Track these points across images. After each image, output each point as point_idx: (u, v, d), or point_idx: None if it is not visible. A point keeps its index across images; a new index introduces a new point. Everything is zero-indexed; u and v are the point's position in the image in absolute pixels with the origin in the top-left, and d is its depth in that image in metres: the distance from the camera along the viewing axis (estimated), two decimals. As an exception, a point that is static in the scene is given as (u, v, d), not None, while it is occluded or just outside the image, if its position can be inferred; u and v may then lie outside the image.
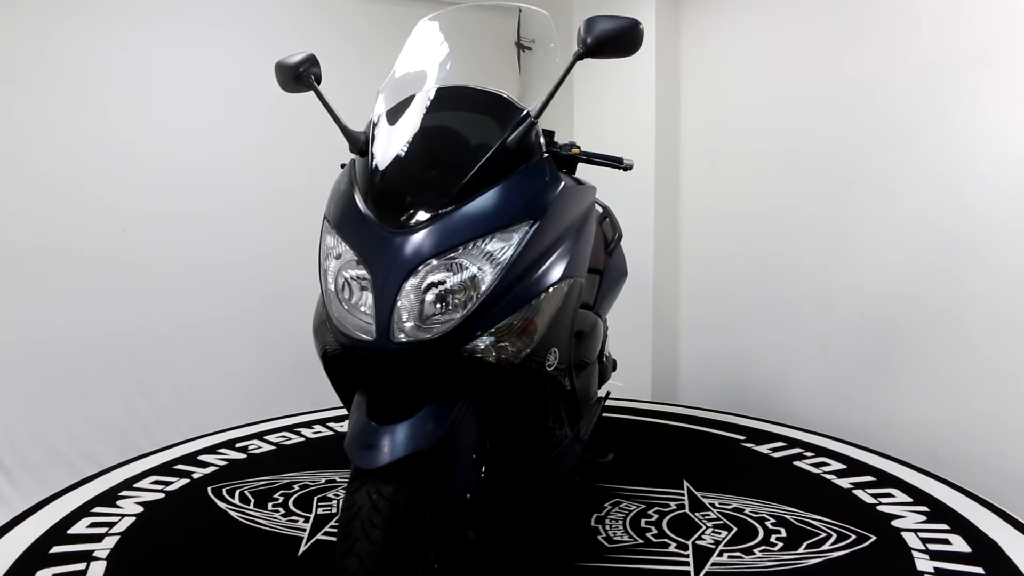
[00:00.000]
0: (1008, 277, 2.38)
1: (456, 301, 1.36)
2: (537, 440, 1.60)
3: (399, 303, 1.34)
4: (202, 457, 2.66)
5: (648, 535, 2.01)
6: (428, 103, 1.63)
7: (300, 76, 1.70)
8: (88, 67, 3.30)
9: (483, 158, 1.47)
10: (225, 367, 3.65)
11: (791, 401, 3.16)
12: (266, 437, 2.91)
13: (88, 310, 3.33)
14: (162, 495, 2.30)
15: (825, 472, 2.45)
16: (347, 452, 1.32)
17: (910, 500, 2.17)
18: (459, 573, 1.44)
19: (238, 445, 2.80)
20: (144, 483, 2.39)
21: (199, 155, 3.55)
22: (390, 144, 1.56)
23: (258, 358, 3.72)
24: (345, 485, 1.37)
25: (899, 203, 2.72)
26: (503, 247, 1.39)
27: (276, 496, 2.30)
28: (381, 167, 1.51)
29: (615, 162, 1.81)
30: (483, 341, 1.38)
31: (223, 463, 2.61)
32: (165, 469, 2.53)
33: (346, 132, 1.64)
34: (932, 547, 1.88)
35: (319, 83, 1.72)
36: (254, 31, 3.63)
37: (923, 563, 1.79)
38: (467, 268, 1.36)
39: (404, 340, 1.34)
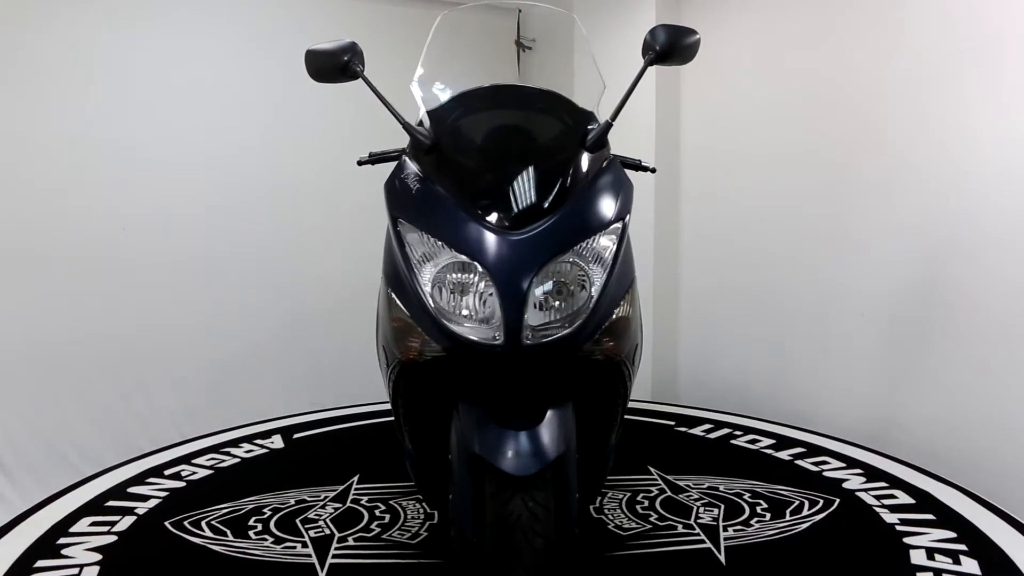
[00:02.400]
0: (1007, 277, 2.40)
1: (574, 302, 1.37)
2: (608, 433, 1.65)
3: (526, 305, 1.33)
4: (133, 490, 2.36)
5: (651, 519, 2.13)
6: (493, 101, 1.61)
7: (346, 67, 1.59)
8: (87, 66, 3.27)
9: (572, 159, 1.48)
10: (225, 367, 3.62)
11: (791, 401, 3.17)
12: (194, 461, 2.63)
13: (88, 310, 3.30)
14: (114, 537, 2.02)
15: (762, 448, 2.73)
16: (489, 460, 1.29)
17: (862, 473, 2.51)
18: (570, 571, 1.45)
19: (168, 472, 2.51)
20: (83, 525, 2.08)
21: (199, 154, 3.52)
22: (471, 142, 1.52)
23: (258, 358, 3.70)
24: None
25: (899, 203, 2.73)
26: (608, 247, 1.43)
27: (252, 523, 2.12)
28: (472, 166, 1.47)
29: (640, 165, 1.90)
30: (597, 340, 1.41)
31: (163, 493, 2.33)
32: (97, 507, 2.21)
33: (408, 127, 1.57)
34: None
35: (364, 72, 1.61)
36: (254, 30, 3.64)
37: (887, 517, 2.09)
38: (582, 269, 1.38)
39: (532, 342, 1.34)
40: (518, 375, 1.39)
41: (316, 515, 2.18)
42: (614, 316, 1.45)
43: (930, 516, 2.09)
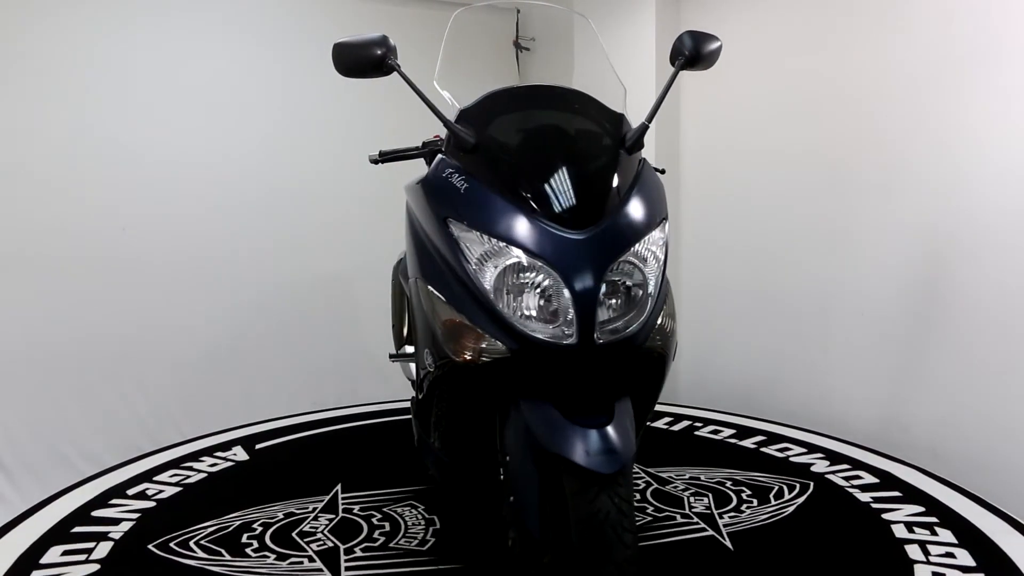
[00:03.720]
0: (1007, 277, 2.40)
1: (635, 300, 1.41)
2: (642, 425, 1.70)
3: (598, 304, 1.35)
4: (100, 513, 2.18)
5: (648, 511, 2.19)
6: (530, 102, 1.62)
7: (383, 61, 1.54)
8: (87, 66, 3.25)
9: (617, 161, 1.51)
10: (225, 367, 3.59)
11: (791, 401, 3.17)
12: (157, 479, 2.46)
13: (88, 310, 3.28)
14: (95, 565, 1.86)
15: (726, 438, 2.87)
16: (571, 458, 1.29)
17: (824, 456, 2.68)
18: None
19: (131, 492, 2.34)
20: (54, 555, 1.90)
21: (199, 154, 3.50)
22: (518, 142, 1.52)
23: (258, 358, 3.67)
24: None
25: (899, 203, 2.73)
26: (659, 246, 1.46)
27: (245, 540, 2.01)
28: (525, 166, 1.46)
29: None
30: (654, 336, 1.45)
31: (134, 515, 2.17)
32: (63, 534, 2.03)
33: (451, 126, 1.55)
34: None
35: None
36: (254, 30, 3.61)
37: (860, 496, 2.26)
38: (639, 268, 1.42)
39: (604, 341, 1.36)
40: (588, 373, 1.40)
41: (311, 528, 2.10)
42: (663, 313, 1.50)
43: (897, 493, 2.27)
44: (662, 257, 1.46)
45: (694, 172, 3.64)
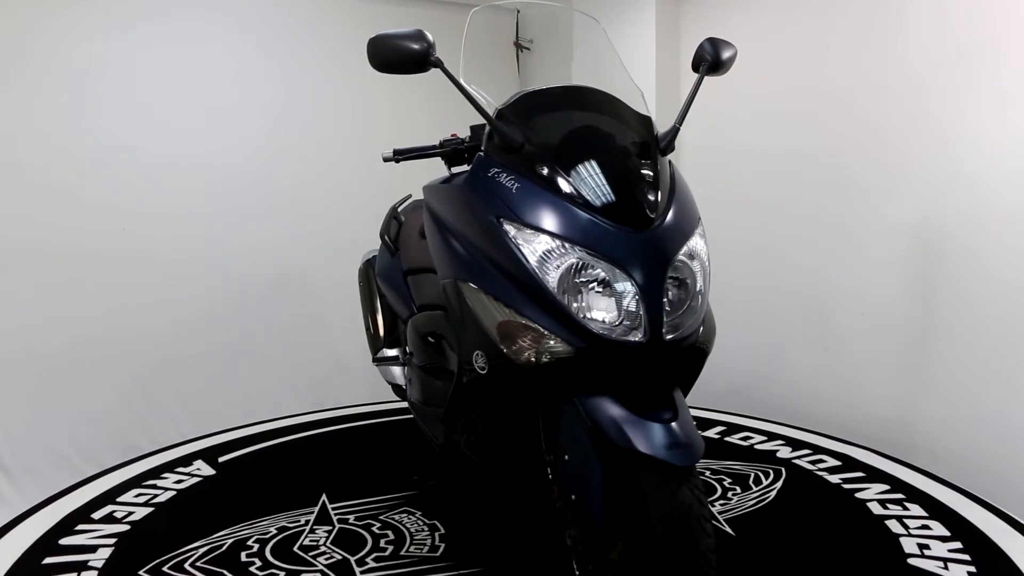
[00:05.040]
0: (1007, 277, 2.40)
1: (691, 296, 1.45)
2: None
3: (663, 302, 1.38)
4: (68, 541, 2.00)
5: (643, 504, 2.26)
6: (568, 102, 1.63)
7: (427, 57, 1.50)
8: (87, 66, 3.23)
9: (658, 162, 1.55)
10: (226, 367, 3.58)
11: (791, 401, 3.17)
12: (121, 499, 2.28)
13: (88, 309, 3.28)
14: (87, 596, 1.71)
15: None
16: (650, 453, 1.31)
17: (785, 443, 2.84)
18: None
19: (97, 516, 2.15)
20: None
21: (199, 154, 3.48)
22: (564, 143, 1.53)
23: (259, 358, 3.67)
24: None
25: (899, 203, 2.73)
26: (703, 245, 1.52)
27: (245, 559, 1.90)
28: (577, 166, 1.47)
29: None
30: (704, 332, 1.50)
31: (109, 540, 2.00)
32: (33, 566, 1.84)
33: (495, 125, 1.53)
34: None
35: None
36: (254, 30, 3.59)
37: (830, 479, 2.42)
38: (691, 265, 1.46)
39: (670, 337, 1.40)
40: (652, 369, 1.43)
41: (312, 542, 2.01)
42: (708, 310, 1.56)
43: (861, 473, 2.45)
44: (706, 256, 1.52)
45: (694, 172, 3.51)
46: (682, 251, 1.44)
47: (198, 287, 3.51)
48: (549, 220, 1.41)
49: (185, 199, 3.45)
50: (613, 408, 1.38)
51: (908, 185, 2.69)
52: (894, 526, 2.06)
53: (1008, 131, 2.37)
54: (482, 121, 1.56)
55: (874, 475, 2.44)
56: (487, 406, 1.65)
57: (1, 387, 3.12)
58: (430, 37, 1.53)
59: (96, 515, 2.16)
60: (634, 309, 1.38)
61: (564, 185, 1.44)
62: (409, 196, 2.82)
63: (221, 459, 2.67)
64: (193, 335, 3.51)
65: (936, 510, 2.16)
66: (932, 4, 2.58)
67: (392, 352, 2.59)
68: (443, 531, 2.08)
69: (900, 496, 2.26)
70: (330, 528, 2.10)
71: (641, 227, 1.41)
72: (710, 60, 1.73)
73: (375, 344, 2.68)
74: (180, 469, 2.56)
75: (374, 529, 2.09)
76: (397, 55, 1.52)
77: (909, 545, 1.95)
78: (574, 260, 1.38)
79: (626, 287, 1.37)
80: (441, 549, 1.97)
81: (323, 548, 1.97)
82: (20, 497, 2.93)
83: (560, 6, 2.10)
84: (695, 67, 1.76)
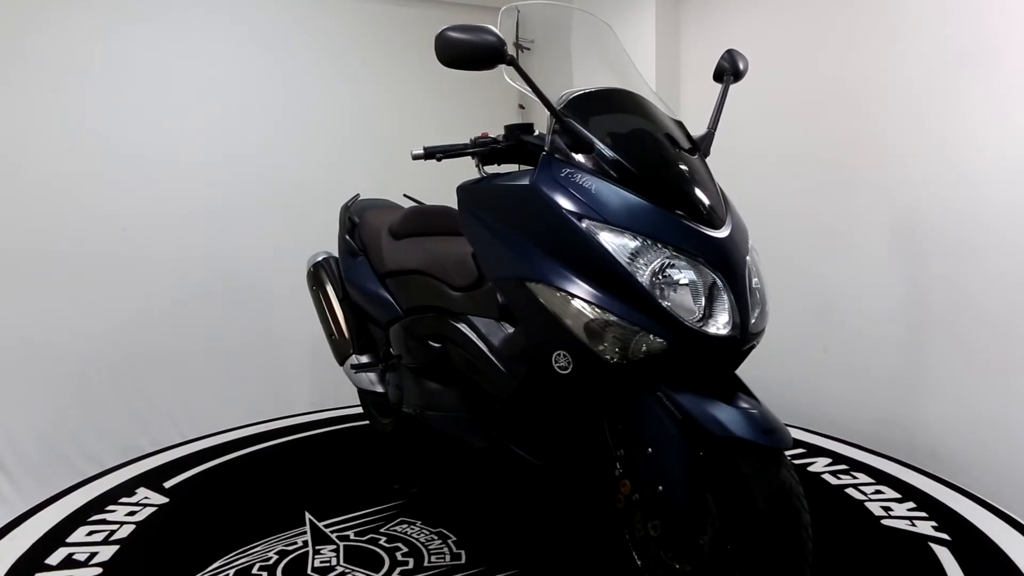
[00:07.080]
0: (1007, 277, 2.41)
1: (760, 291, 1.54)
2: None
3: (748, 297, 1.47)
4: (70, 540, 2.00)
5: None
6: (613, 104, 1.67)
7: (501, 53, 1.49)
8: (87, 66, 3.24)
9: (703, 162, 1.64)
10: (226, 367, 3.59)
11: (791, 401, 3.16)
12: (72, 540, 2.02)
13: (88, 309, 3.29)
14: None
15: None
16: (750, 438, 1.35)
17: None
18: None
19: (53, 562, 1.90)
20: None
21: (199, 154, 3.49)
22: (630, 143, 1.58)
23: (259, 358, 3.68)
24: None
25: (899, 203, 2.74)
26: (753, 245, 1.61)
27: (256, 581, 1.85)
28: (651, 166, 1.52)
29: None
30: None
31: (96, 573, 1.87)
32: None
33: (570, 124, 1.55)
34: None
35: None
36: (254, 30, 3.60)
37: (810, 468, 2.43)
38: (756, 259, 1.57)
39: (755, 331, 1.49)
40: (737, 360, 1.53)
41: (323, 562, 1.93)
42: None
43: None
44: (757, 255, 1.60)
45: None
46: (750, 249, 1.55)
47: (199, 286, 3.52)
48: (636, 220, 1.45)
49: (185, 199, 3.46)
50: (702, 399, 1.42)
51: (908, 185, 2.69)
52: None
53: (1007, 131, 2.38)
54: (518, 121, 1.59)
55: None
56: (562, 406, 1.66)
57: (1, 387, 3.12)
58: (500, 33, 1.52)
59: (51, 560, 1.91)
60: (725, 304, 1.44)
61: (642, 186, 1.49)
62: (357, 195, 2.83)
63: (167, 484, 2.45)
64: (194, 334, 3.52)
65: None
66: (932, 4, 2.59)
67: (365, 358, 2.56)
68: (455, 538, 2.06)
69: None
70: (334, 547, 2.02)
71: (716, 226, 1.49)
72: (731, 69, 1.81)
73: (341, 349, 2.64)
74: (125, 500, 2.31)
75: (382, 543, 2.04)
76: (471, 51, 1.49)
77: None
78: (665, 258, 1.43)
79: (716, 284, 1.44)
80: (466, 556, 1.95)
81: (340, 568, 1.91)
82: (20, 497, 2.93)
83: (574, 8, 2.09)
84: (717, 77, 1.84)
